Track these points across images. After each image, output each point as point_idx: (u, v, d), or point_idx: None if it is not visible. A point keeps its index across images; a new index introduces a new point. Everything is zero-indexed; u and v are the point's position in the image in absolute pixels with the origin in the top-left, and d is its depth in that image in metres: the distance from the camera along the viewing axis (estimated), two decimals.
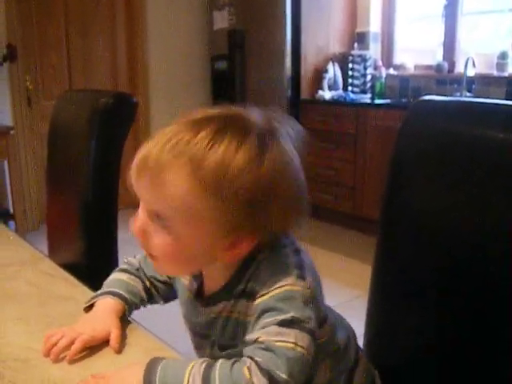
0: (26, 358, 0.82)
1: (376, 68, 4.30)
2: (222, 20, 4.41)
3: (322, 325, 0.80)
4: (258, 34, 4.18)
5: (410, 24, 4.42)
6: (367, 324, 1.08)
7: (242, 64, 4.17)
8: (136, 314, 0.95)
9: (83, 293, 1.03)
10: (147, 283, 0.96)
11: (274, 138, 0.74)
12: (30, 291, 1.07)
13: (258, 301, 0.74)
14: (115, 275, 0.97)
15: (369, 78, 4.33)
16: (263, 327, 0.72)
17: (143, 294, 0.95)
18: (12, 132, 3.77)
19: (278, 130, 0.76)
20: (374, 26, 4.40)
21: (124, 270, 0.97)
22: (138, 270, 0.97)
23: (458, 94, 3.76)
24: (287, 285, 0.73)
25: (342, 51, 4.37)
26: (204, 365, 0.69)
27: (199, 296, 0.87)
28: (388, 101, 4.01)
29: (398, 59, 4.44)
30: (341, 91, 4.21)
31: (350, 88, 4.30)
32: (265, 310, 0.73)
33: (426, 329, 0.96)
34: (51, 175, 1.78)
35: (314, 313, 0.74)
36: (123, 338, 0.85)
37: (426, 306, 0.96)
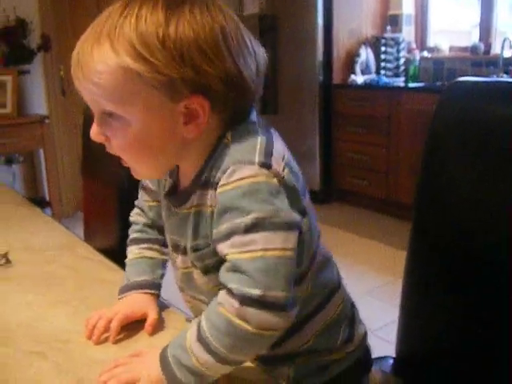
0: (67, 339, 0.84)
1: (409, 51, 4.23)
2: (252, 5, 4.38)
3: (303, 215, 0.74)
4: (289, 18, 4.14)
5: (445, 5, 4.33)
6: (402, 308, 1.08)
7: (274, 49, 4.15)
8: (173, 298, 0.96)
9: (120, 276, 1.04)
10: (160, 237, 0.94)
11: (188, 3, 0.71)
12: (69, 275, 1.09)
13: (218, 190, 0.70)
14: (133, 253, 0.95)
15: (402, 61, 4.26)
16: (227, 236, 0.68)
17: (164, 255, 0.94)
18: (47, 121, 3.84)
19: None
20: (407, 7, 4.32)
21: (137, 241, 0.96)
22: (144, 225, 0.96)
23: (495, 76, 3.68)
24: (249, 176, 0.68)
25: (374, 34, 4.31)
26: (197, 320, 0.70)
27: (173, 194, 0.83)
28: (422, 84, 3.95)
29: (432, 41, 4.36)
30: (373, 75, 4.17)
31: (382, 72, 4.25)
32: (225, 208, 0.69)
33: (461, 312, 0.96)
34: (87, 162, 1.80)
35: (285, 203, 0.69)
36: (160, 321, 0.87)
37: (460, 290, 0.95)
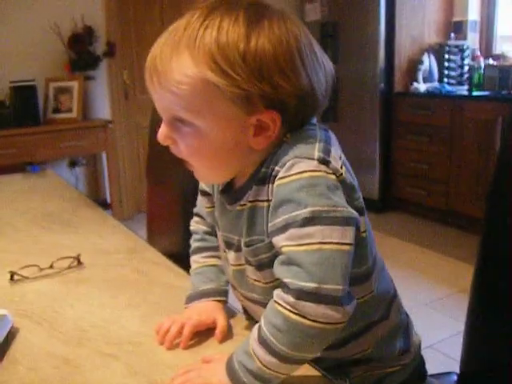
0: (138, 341, 0.86)
1: (474, 58, 4.13)
2: (314, 12, 4.38)
3: (361, 214, 0.74)
4: (351, 25, 4.12)
5: None
6: (467, 323, 1.06)
7: (335, 56, 4.13)
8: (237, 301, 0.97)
9: (188, 282, 1.06)
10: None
11: (267, 17, 0.71)
12: (139, 279, 1.12)
13: (276, 183, 0.71)
14: (196, 263, 0.97)
15: (466, 69, 4.16)
16: (284, 228, 0.68)
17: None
18: (110, 125, 3.95)
19: (276, 10, 0.74)
20: (472, 13, 4.22)
21: (199, 250, 0.97)
22: (204, 233, 0.97)
23: None
24: (308, 170, 0.68)
25: (437, 41, 4.22)
26: (258, 324, 0.70)
27: (228, 192, 0.84)
28: (486, 93, 3.84)
29: (498, 48, 4.24)
30: (436, 83, 4.08)
31: (445, 80, 4.16)
32: (282, 201, 0.69)
33: None
34: (152, 166, 1.84)
35: (342, 198, 0.69)
36: (229, 327, 0.87)
37: None
